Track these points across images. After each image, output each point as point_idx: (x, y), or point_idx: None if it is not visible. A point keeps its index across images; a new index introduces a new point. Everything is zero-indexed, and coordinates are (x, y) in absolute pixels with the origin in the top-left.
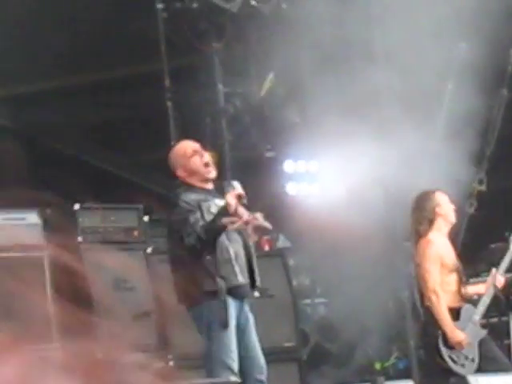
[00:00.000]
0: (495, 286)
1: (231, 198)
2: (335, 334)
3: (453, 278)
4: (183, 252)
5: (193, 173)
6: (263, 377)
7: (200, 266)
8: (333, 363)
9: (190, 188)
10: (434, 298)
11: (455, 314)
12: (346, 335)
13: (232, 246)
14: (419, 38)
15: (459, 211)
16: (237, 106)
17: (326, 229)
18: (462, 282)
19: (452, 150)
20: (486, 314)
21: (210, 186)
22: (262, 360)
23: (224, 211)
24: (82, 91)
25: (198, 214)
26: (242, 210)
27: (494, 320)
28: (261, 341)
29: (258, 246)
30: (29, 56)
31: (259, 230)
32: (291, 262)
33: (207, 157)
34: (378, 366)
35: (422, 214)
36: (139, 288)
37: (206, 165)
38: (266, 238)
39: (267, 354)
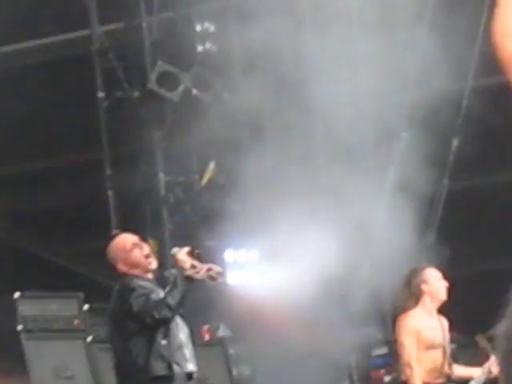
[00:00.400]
0: (489, 372)
1: (183, 255)
2: None
3: (430, 356)
4: (136, 338)
5: (134, 266)
6: None
7: (153, 351)
8: None
9: (136, 277)
10: (408, 371)
11: None
12: None
13: (182, 333)
14: (362, 130)
15: None
16: (178, 194)
17: (266, 318)
18: (447, 360)
19: (393, 239)
20: None
21: (151, 276)
22: None
23: (182, 273)
24: (22, 180)
25: (156, 293)
26: (197, 263)
27: None
28: None
29: (199, 335)
30: None
31: (219, 275)
32: (231, 351)
33: (147, 248)
34: None
35: (409, 291)
36: (79, 376)
37: (147, 256)
38: (206, 327)
39: None
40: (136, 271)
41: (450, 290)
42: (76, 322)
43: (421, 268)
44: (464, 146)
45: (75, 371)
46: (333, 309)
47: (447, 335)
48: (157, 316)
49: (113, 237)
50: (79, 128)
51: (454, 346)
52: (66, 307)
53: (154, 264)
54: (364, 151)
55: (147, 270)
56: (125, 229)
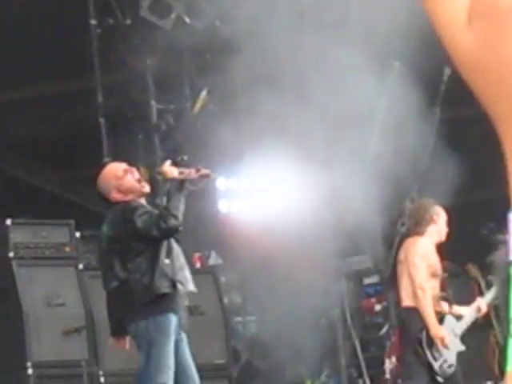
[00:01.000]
0: (478, 311)
1: (168, 167)
2: (266, 351)
3: (432, 284)
4: (139, 259)
5: (129, 191)
6: None
7: (157, 270)
8: (263, 381)
9: (132, 202)
10: (420, 293)
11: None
12: (276, 353)
13: (181, 256)
14: (351, 58)
15: (393, 230)
16: (170, 122)
17: (257, 246)
18: (443, 291)
19: (384, 169)
20: None
21: (144, 201)
22: (196, 377)
23: (173, 182)
24: (14, 107)
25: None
26: (184, 169)
27: None
28: (192, 357)
29: (190, 262)
30: None
31: (207, 177)
32: (223, 279)
33: (137, 173)
34: (308, 383)
35: (422, 216)
36: (70, 303)
37: (139, 181)
38: (197, 255)
39: (198, 370)
40: (130, 196)
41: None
42: (67, 249)
43: (435, 202)
44: (457, 75)
45: (66, 298)
46: (324, 238)
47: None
48: (164, 226)
49: (101, 167)
50: (71, 55)
51: (445, 274)
52: (57, 234)
53: (146, 188)
54: (355, 80)
55: (141, 195)
56: (116, 156)
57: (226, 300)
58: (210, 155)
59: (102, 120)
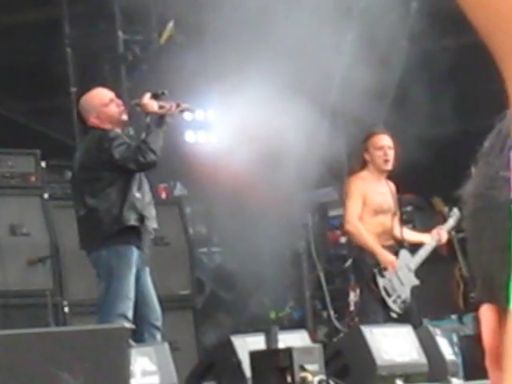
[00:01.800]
0: (438, 241)
1: (147, 99)
2: (231, 282)
3: (379, 220)
4: (110, 189)
5: (108, 120)
6: (159, 323)
7: (127, 201)
8: (228, 312)
9: (111, 131)
10: (351, 229)
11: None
12: (241, 284)
13: (149, 191)
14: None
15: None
16: (136, 53)
17: (223, 178)
18: (396, 224)
19: (350, 103)
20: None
21: (120, 131)
22: (157, 307)
23: (153, 116)
24: None
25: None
26: (164, 103)
27: None
28: (156, 288)
29: (155, 193)
30: None
31: (186, 111)
32: (188, 210)
33: (122, 106)
34: (272, 315)
35: (360, 154)
36: (35, 233)
37: (121, 113)
38: (162, 185)
39: (162, 301)
40: (107, 125)
41: (406, 152)
42: (33, 178)
43: (370, 134)
44: (423, 8)
45: (31, 228)
46: (290, 170)
47: (395, 200)
48: (142, 160)
49: (80, 91)
50: None
51: (410, 207)
52: (22, 164)
53: (124, 116)
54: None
55: (120, 125)
56: (83, 87)
57: (190, 231)
58: (176, 86)
59: (68, 50)
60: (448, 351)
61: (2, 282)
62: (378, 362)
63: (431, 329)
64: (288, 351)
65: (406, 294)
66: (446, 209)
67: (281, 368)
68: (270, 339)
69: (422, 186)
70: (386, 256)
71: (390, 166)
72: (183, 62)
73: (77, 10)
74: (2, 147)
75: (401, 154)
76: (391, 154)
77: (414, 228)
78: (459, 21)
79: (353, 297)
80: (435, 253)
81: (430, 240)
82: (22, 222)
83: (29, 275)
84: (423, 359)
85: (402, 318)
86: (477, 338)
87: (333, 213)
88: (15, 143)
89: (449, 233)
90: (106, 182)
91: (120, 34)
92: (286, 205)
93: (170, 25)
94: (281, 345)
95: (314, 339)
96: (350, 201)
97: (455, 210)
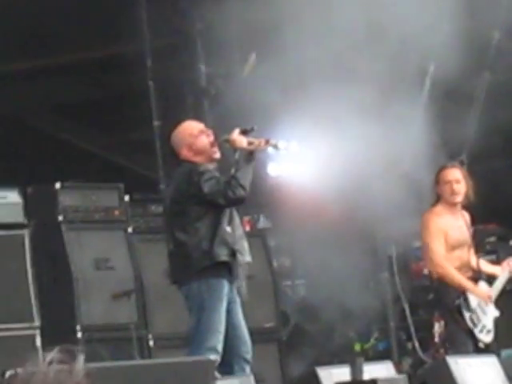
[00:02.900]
0: (511, 272)
1: (237, 135)
2: (315, 315)
3: (457, 254)
4: (200, 223)
5: (199, 152)
6: (249, 356)
7: (218, 236)
8: (312, 344)
9: (201, 165)
10: (440, 270)
11: None
12: (325, 316)
13: (240, 225)
14: (402, 19)
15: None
16: (219, 86)
17: (306, 210)
18: (472, 255)
19: (433, 133)
20: None
21: (212, 167)
22: (248, 340)
23: (242, 152)
24: (64, 71)
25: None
26: (253, 139)
27: None
28: (246, 321)
29: None
30: (6, 34)
31: (275, 148)
32: (272, 242)
33: (212, 137)
34: (357, 347)
35: (434, 189)
36: (120, 267)
37: (212, 145)
38: (246, 218)
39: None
40: (199, 158)
41: (490, 181)
42: (116, 212)
43: (441, 168)
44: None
45: (115, 262)
46: (373, 200)
47: (470, 230)
48: (231, 195)
49: (177, 124)
50: (121, 19)
51: (493, 238)
52: (106, 198)
53: (217, 154)
54: (403, 45)
55: (211, 159)
56: (166, 120)
57: (275, 263)
58: (259, 118)
59: (151, 83)
60: None
61: (88, 316)
62: None
63: None
64: (373, 382)
65: (489, 324)
66: None
67: None
68: (356, 370)
69: (506, 216)
70: (481, 291)
71: (458, 199)
72: (266, 93)
73: (159, 43)
74: (86, 181)
75: (484, 185)
76: (459, 187)
77: (498, 258)
78: None
79: (437, 328)
80: None
81: (501, 272)
82: (107, 256)
83: (113, 309)
84: None
85: (488, 348)
86: None
87: (416, 244)
88: (99, 177)
89: None
90: (195, 216)
91: (202, 67)
92: (369, 236)
93: (253, 57)
94: (366, 376)
95: (399, 370)
96: (432, 241)
97: None
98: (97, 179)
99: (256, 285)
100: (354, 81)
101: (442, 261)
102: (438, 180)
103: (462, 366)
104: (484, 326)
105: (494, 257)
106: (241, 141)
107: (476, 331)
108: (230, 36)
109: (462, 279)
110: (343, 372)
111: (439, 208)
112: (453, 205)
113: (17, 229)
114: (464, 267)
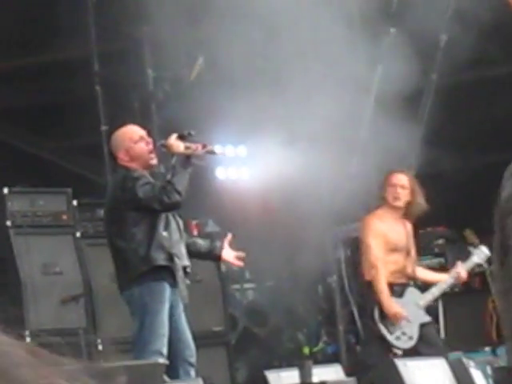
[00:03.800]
0: (456, 279)
1: (174, 140)
2: (264, 318)
3: (394, 258)
4: (136, 228)
5: (136, 158)
6: (193, 359)
7: (154, 241)
8: (261, 347)
9: (135, 170)
10: (373, 271)
11: (396, 290)
12: (274, 320)
13: (177, 229)
14: (348, 26)
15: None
16: (166, 90)
17: (254, 214)
18: (410, 262)
19: (382, 135)
20: None
21: (147, 173)
22: (192, 343)
23: (179, 157)
24: (11, 76)
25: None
26: (190, 144)
27: None
28: (190, 325)
29: (187, 230)
30: None
31: (213, 153)
32: None
33: (151, 145)
34: (306, 350)
35: (379, 192)
36: (68, 272)
37: (151, 152)
38: (194, 222)
39: (196, 338)
40: (135, 164)
41: (438, 185)
42: (64, 217)
43: (390, 171)
44: (452, 42)
45: (64, 266)
46: (322, 205)
47: (411, 239)
48: (167, 200)
49: (110, 129)
50: (67, 23)
51: (442, 240)
52: (54, 203)
53: (154, 160)
54: (351, 46)
55: (147, 165)
56: (113, 125)
57: (223, 267)
58: (206, 122)
59: (98, 88)
60: (482, 383)
61: (36, 321)
62: None
63: (465, 361)
64: None
65: (413, 330)
66: (477, 241)
67: None
68: (305, 374)
69: (454, 219)
70: (391, 307)
71: (399, 204)
72: (213, 98)
73: (106, 47)
74: (34, 186)
75: (432, 187)
76: (402, 192)
77: (446, 261)
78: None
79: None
80: (468, 285)
81: (447, 277)
82: (55, 261)
83: (62, 314)
84: None
85: (409, 353)
86: (511, 370)
87: None
88: (46, 182)
89: (480, 266)
90: (131, 222)
91: (149, 71)
92: (318, 240)
93: (200, 61)
94: (315, 379)
95: (348, 373)
96: (371, 242)
97: (482, 249)
98: (45, 184)
99: (204, 288)
100: (302, 84)
101: (378, 263)
102: (384, 183)
103: (410, 368)
104: (404, 333)
105: (442, 259)
106: (178, 146)
107: (391, 338)
108: (177, 40)
109: (383, 290)
110: (292, 375)
111: (381, 211)
112: (395, 209)
113: None
114: (398, 272)
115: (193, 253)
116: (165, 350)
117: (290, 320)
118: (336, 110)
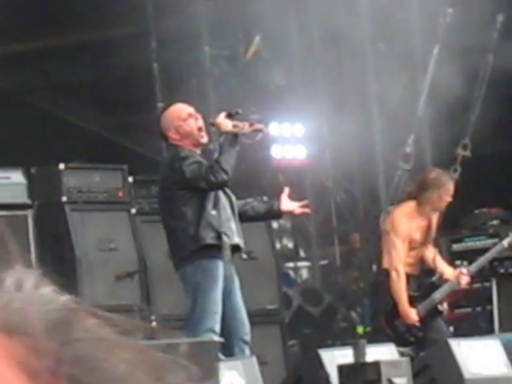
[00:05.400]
0: (458, 284)
1: (222, 119)
2: (318, 297)
3: (413, 253)
4: (186, 208)
5: (186, 136)
6: (248, 338)
7: (203, 220)
8: (315, 326)
9: (183, 150)
10: (394, 275)
11: (413, 280)
12: (328, 299)
13: (228, 208)
14: (406, 2)
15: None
16: (223, 68)
17: (310, 192)
18: (430, 252)
19: (436, 115)
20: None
21: (199, 151)
22: (247, 322)
23: (228, 135)
24: (69, 52)
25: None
26: (238, 122)
27: (477, 285)
28: (244, 303)
29: None
30: (15, 16)
31: (260, 131)
32: (275, 225)
33: (201, 121)
34: (360, 329)
35: (416, 184)
36: (123, 248)
37: (200, 129)
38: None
39: (250, 316)
40: (186, 142)
41: (493, 166)
42: (120, 193)
43: (447, 178)
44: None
45: (119, 243)
46: (376, 182)
47: (432, 231)
48: (213, 180)
49: (167, 106)
50: (124, 2)
51: (497, 221)
52: (110, 179)
53: (205, 138)
54: (409, 27)
55: (198, 143)
56: (170, 102)
57: (278, 245)
58: (263, 101)
59: (155, 65)
60: None
61: (91, 297)
62: (466, 375)
63: None
64: (376, 365)
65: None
66: None
67: (369, 381)
68: (358, 353)
69: (510, 201)
70: (408, 316)
71: (436, 211)
72: (269, 76)
73: (163, 25)
74: (90, 162)
75: (488, 169)
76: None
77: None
78: None
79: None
80: None
81: (451, 278)
82: (110, 237)
83: (117, 290)
84: (511, 373)
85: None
86: None
87: None
88: (102, 158)
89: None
90: (181, 202)
91: (207, 49)
92: (373, 219)
93: (257, 39)
94: (369, 358)
95: (401, 353)
96: (397, 243)
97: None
98: (101, 160)
99: (259, 266)
100: (358, 66)
101: (399, 267)
102: (434, 185)
103: (464, 348)
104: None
105: (496, 240)
106: (226, 124)
107: (402, 328)
108: (234, 18)
109: (401, 298)
110: (346, 354)
111: (411, 209)
112: (425, 209)
113: (20, 209)
114: (416, 264)
115: (253, 217)
116: (217, 328)
117: (344, 299)
118: (392, 90)
